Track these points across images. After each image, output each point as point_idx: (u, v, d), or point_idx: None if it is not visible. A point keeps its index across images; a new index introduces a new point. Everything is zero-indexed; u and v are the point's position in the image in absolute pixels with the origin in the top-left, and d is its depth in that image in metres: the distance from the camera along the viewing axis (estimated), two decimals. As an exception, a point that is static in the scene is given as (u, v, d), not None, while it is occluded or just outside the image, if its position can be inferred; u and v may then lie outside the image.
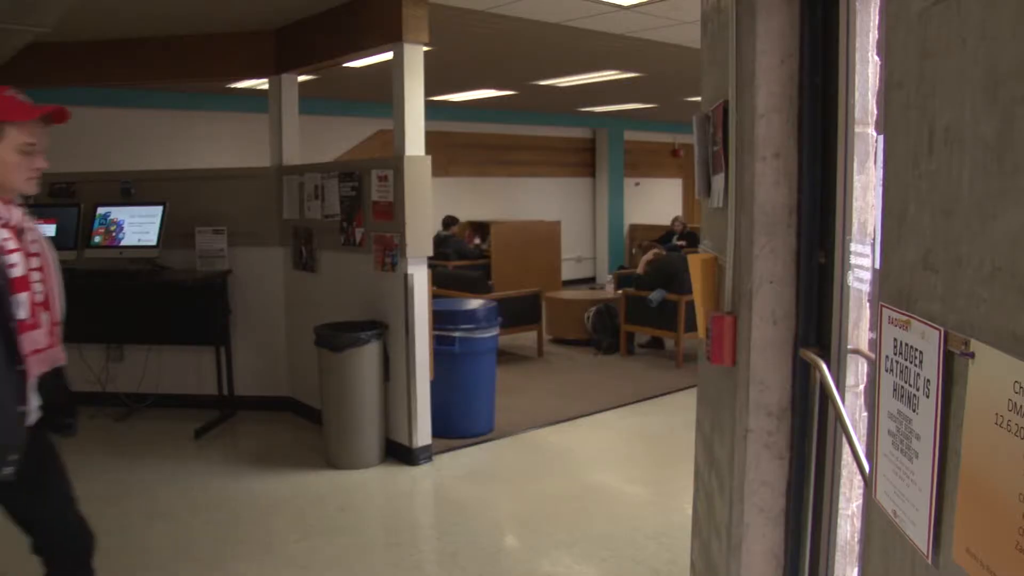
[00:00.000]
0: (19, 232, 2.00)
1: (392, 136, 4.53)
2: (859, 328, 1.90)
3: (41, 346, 2.14)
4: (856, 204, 1.84)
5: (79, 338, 5.55)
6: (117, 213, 5.31)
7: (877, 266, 1.32)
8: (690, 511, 2.88)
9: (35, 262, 2.05)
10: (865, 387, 1.91)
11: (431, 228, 4.67)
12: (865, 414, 1.91)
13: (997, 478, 0.89)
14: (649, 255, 7.84)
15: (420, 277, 4.47)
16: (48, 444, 2.18)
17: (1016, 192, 0.86)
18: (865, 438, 1.63)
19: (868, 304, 1.84)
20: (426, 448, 4.55)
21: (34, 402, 2.09)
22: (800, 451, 2.08)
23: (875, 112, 1.80)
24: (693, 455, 2.86)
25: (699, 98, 2.77)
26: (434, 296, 4.95)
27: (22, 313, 1.99)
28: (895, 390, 1.16)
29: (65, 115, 2.09)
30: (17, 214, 2.02)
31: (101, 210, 5.33)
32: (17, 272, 1.95)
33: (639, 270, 7.86)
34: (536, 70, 7.87)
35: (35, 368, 2.12)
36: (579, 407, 5.67)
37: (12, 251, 1.95)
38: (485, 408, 5.10)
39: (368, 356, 4.40)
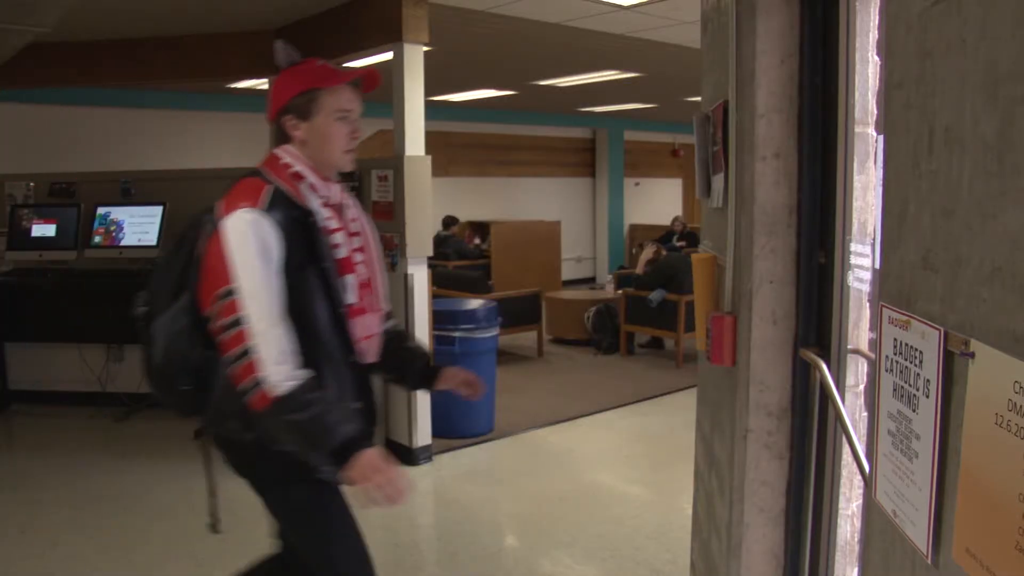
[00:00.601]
0: (339, 210, 1.86)
1: (392, 136, 4.53)
2: (859, 328, 1.90)
3: (374, 331, 1.93)
4: (856, 204, 1.84)
5: (79, 338, 5.56)
6: (117, 213, 5.31)
7: (877, 266, 1.32)
8: (690, 511, 2.88)
9: (356, 241, 1.88)
10: (865, 387, 1.91)
11: (431, 228, 4.67)
12: (865, 414, 1.91)
13: (997, 478, 0.89)
14: (649, 253, 7.83)
15: (420, 277, 4.47)
16: None
17: (1016, 192, 0.86)
18: (865, 438, 1.63)
19: (868, 304, 1.84)
20: (426, 448, 4.55)
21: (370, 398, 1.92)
22: (800, 451, 2.08)
23: (875, 112, 1.80)
24: (693, 455, 2.87)
25: (699, 98, 2.78)
26: (434, 296, 4.94)
27: (351, 297, 1.82)
28: (895, 390, 1.16)
29: (376, 80, 1.92)
30: (336, 191, 1.88)
31: (101, 210, 5.33)
32: (341, 253, 1.81)
33: (638, 269, 7.86)
34: (536, 70, 7.86)
35: (371, 355, 1.93)
36: (579, 407, 5.66)
37: (335, 230, 1.81)
38: (485, 408, 5.10)
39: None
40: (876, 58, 1.77)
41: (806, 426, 2.05)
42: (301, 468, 1.78)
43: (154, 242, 5.16)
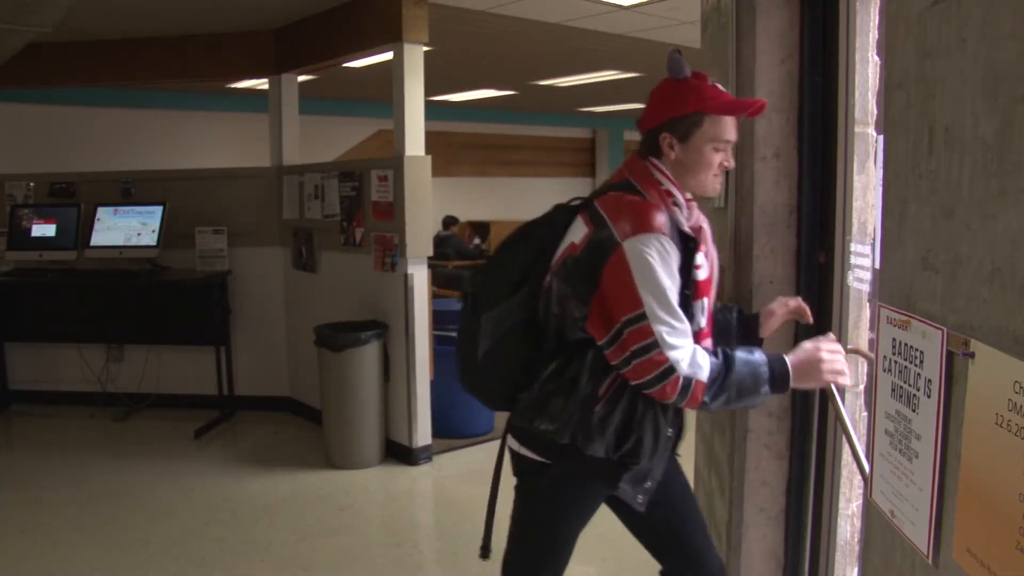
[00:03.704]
0: (698, 230, 1.77)
1: (392, 136, 4.53)
2: (859, 328, 1.90)
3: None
4: (856, 204, 1.84)
5: (79, 338, 5.56)
6: (117, 213, 5.31)
7: (877, 266, 1.32)
8: (690, 511, 2.87)
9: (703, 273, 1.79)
10: (865, 387, 1.91)
11: (431, 228, 4.67)
12: (865, 414, 1.91)
13: (997, 478, 0.89)
14: None
15: (420, 277, 4.47)
16: (677, 465, 1.96)
17: (1016, 192, 0.86)
18: (865, 438, 1.63)
19: (868, 304, 1.84)
20: (426, 448, 4.55)
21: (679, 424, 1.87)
22: (800, 451, 2.08)
23: (875, 112, 1.80)
24: (693, 455, 2.86)
25: (699, 98, 2.77)
26: (434, 296, 4.94)
27: (702, 321, 1.76)
28: (893, 390, 1.16)
29: (762, 109, 1.77)
30: (696, 212, 1.80)
31: (101, 210, 5.33)
32: (701, 275, 1.73)
33: None
34: (536, 70, 7.86)
35: None
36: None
37: (700, 250, 1.73)
38: (485, 408, 5.09)
39: (368, 356, 4.40)
40: (876, 58, 1.77)
41: (806, 426, 2.05)
42: (605, 475, 1.78)
43: (154, 242, 5.16)
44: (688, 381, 1.62)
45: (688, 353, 1.62)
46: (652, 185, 1.73)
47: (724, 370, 1.63)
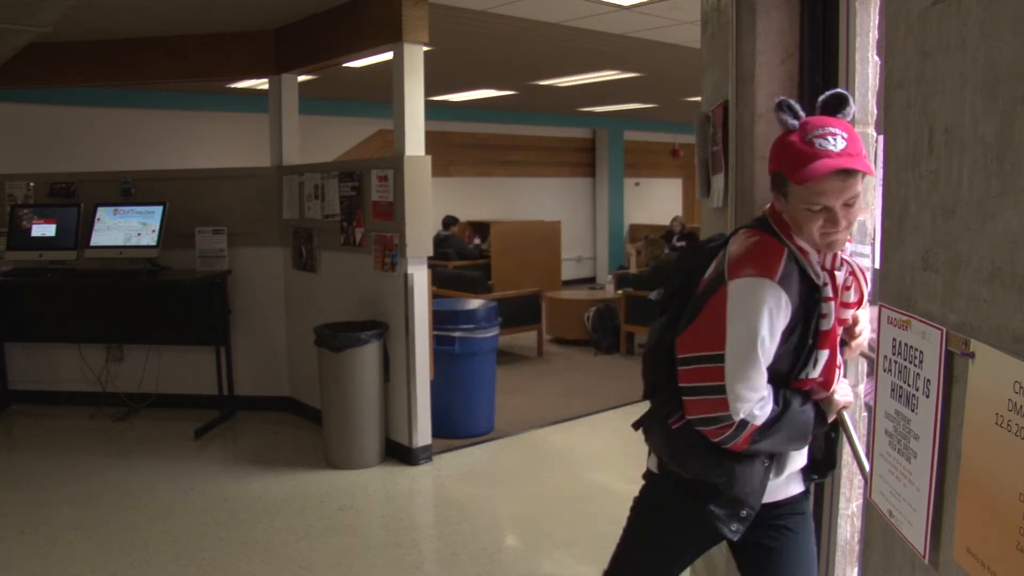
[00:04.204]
0: (832, 275, 1.64)
1: (392, 136, 4.53)
2: (859, 328, 1.89)
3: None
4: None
5: (79, 338, 5.56)
6: (117, 213, 5.31)
7: (877, 266, 1.31)
8: (690, 511, 2.87)
9: (847, 313, 1.68)
10: (865, 387, 1.91)
11: (431, 228, 4.67)
12: (865, 414, 1.91)
13: (997, 478, 0.89)
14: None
15: (420, 277, 4.47)
16: (806, 514, 1.86)
17: (1016, 192, 0.86)
18: (865, 438, 1.63)
19: (868, 304, 1.84)
20: (426, 448, 4.55)
21: (798, 461, 1.79)
22: (800, 451, 2.08)
23: (875, 112, 1.80)
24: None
25: (699, 98, 2.78)
26: (434, 296, 4.94)
27: (814, 372, 1.66)
28: (893, 390, 1.16)
29: (863, 170, 1.56)
30: (837, 257, 1.64)
31: (101, 210, 5.33)
32: (826, 325, 1.63)
33: (632, 268, 7.85)
34: (536, 70, 7.86)
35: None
36: (579, 407, 5.66)
37: (827, 299, 1.62)
38: (485, 408, 5.10)
39: (368, 356, 4.40)
40: (876, 58, 1.77)
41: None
42: (692, 494, 1.75)
43: (154, 242, 5.17)
44: (744, 424, 1.61)
45: (752, 403, 1.60)
46: (785, 227, 1.64)
47: (779, 417, 1.62)
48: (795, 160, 1.54)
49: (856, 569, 1.96)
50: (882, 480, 1.19)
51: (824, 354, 1.65)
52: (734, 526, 1.71)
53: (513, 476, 4.44)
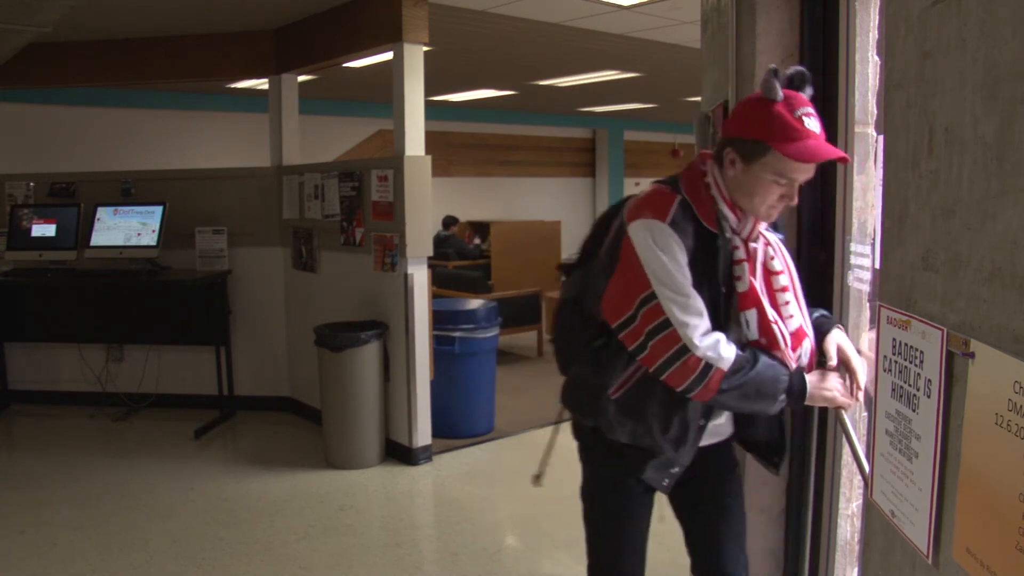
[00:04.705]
0: (747, 246, 1.72)
1: (392, 136, 4.53)
2: (859, 328, 1.90)
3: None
4: (856, 204, 1.84)
5: (79, 338, 5.56)
6: (117, 213, 5.31)
7: (877, 266, 1.32)
8: (690, 511, 2.87)
9: (781, 280, 1.73)
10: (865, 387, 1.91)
11: (431, 228, 4.67)
12: (865, 414, 1.91)
13: (997, 478, 0.89)
14: None
15: (420, 277, 4.47)
16: (733, 464, 1.95)
17: (1016, 192, 0.86)
18: (865, 438, 1.63)
19: (868, 304, 1.84)
20: (426, 448, 4.55)
21: (722, 420, 1.86)
22: (800, 451, 2.08)
23: (875, 112, 1.80)
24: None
25: (699, 98, 2.78)
26: (434, 296, 4.94)
27: (751, 333, 1.70)
28: (893, 390, 1.16)
29: (840, 161, 1.67)
30: (750, 226, 1.71)
31: (101, 210, 5.33)
32: (741, 287, 1.69)
33: None
34: (536, 70, 7.86)
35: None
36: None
37: (738, 261, 1.70)
38: (485, 408, 5.10)
39: (368, 356, 4.40)
40: (876, 58, 1.77)
41: (806, 426, 2.05)
42: (630, 460, 1.80)
43: (154, 242, 5.16)
44: (708, 367, 1.60)
45: (701, 331, 1.61)
46: (698, 181, 1.70)
47: (750, 365, 1.62)
48: (788, 133, 1.57)
49: (856, 569, 1.96)
50: (884, 480, 1.19)
51: (752, 314, 1.69)
52: (665, 481, 1.81)
53: (513, 476, 4.44)
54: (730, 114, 1.77)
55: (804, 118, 1.58)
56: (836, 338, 1.76)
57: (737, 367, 1.61)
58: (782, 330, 1.69)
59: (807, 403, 1.71)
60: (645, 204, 1.69)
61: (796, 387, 1.66)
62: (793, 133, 1.57)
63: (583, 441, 1.92)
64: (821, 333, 1.78)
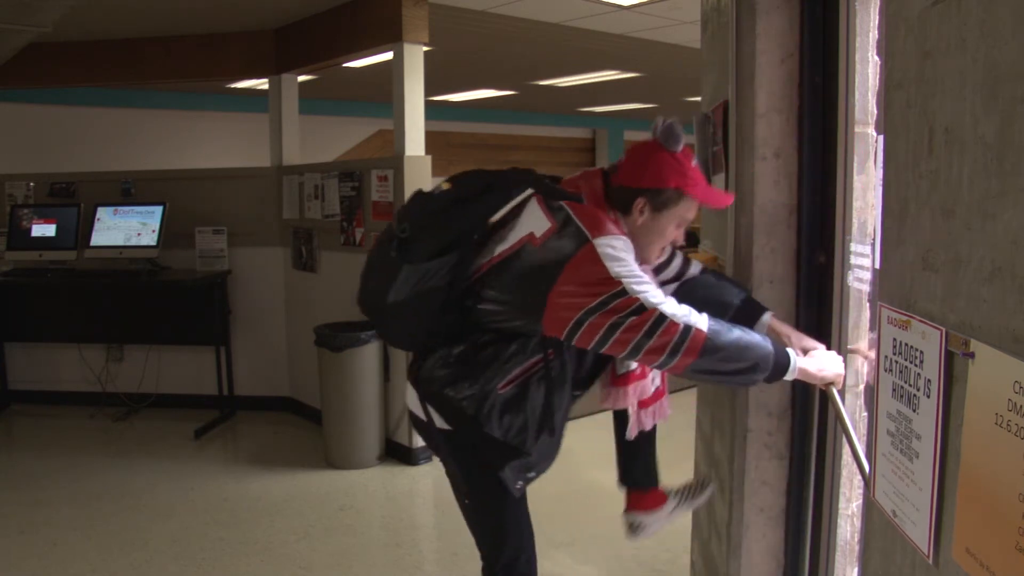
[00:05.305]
0: None
1: (392, 136, 4.53)
2: (859, 328, 1.90)
3: (647, 397, 2.10)
4: (856, 204, 1.84)
5: (79, 338, 5.56)
6: (117, 213, 5.31)
7: (877, 266, 1.32)
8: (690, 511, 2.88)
9: None
10: (865, 387, 1.91)
11: (431, 228, 4.67)
12: (865, 414, 1.91)
13: (997, 478, 0.89)
14: None
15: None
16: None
17: (1016, 192, 0.86)
18: (865, 438, 1.63)
19: (868, 304, 1.84)
20: (426, 448, 4.54)
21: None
22: (800, 451, 2.08)
23: (875, 112, 1.80)
24: (693, 455, 2.86)
25: (699, 98, 2.77)
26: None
27: (632, 364, 1.94)
28: (894, 390, 1.16)
29: (727, 204, 1.91)
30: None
31: (101, 210, 5.33)
32: None
33: None
34: (536, 70, 7.86)
35: (648, 420, 2.13)
36: (579, 407, 5.62)
37: None
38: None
39: (368, 356, 4.40)
40: (876, 58, 1.77)
41: (806, 426, 2.05)
42: (497, 454, 1.88)
43: (154, 242, 5.16)
44: (687, 329, 1.62)
45: (673, 305, 1.66)
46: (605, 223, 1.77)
47: (727, 328, 1.66)
48: (696, 179, 1.78)
49: (856, 569, 1.96)
50: (885, 480, 1.19)
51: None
52: (519, 484, 1.92)
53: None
54: (629, 164, 1.83)
55: (700, 167, 1.82)
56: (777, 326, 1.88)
57: (717, 329, 1.64)
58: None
59: (809, 380, 1.74)
60: (602, 222, 1.74)
61: (781, 358, 1.68)
62: (700, 180, 1.78)
63: (456, 429, 1.93)
64: (749, 317, 1.89)
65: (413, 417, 2.02)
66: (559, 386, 1.90)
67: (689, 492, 2.20)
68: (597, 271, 1.67)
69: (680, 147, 1.76)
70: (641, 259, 1.77)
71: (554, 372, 1.87)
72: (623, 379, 2.04)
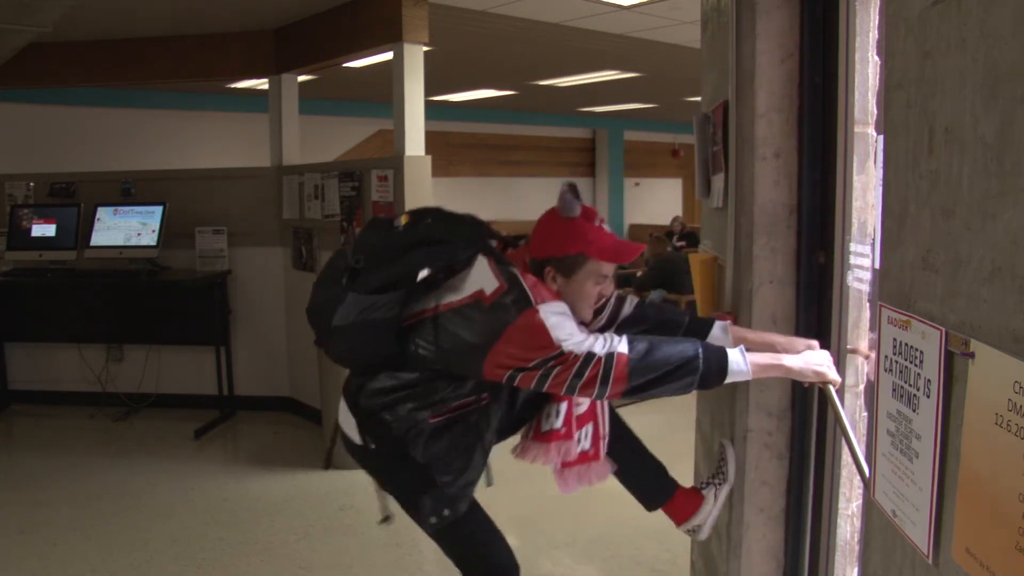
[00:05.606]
0: None
1: (392, 136, 4.53)
2: (859, 328, 1.90)
3: (571, 459, 2.14)
4: (856, 204, 1.84)
5: (79, 338, 5.56)
6: (117, 213, 5.31)
7: (877, 266, 1.32)
8: (690, 511, 2.87)
9: None
10: (865, 387, 1.91)
11: (431, 228, 4.67)
12: (865, 414, 1.91)
13: (997, 478, 0.89)
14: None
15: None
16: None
17: (1016, 192, 0.86)
18: (865, 438, 1.63)
19: (868, 304, 1.84)
20: (426, 448, 4.55)
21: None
22: (800, 451, 2.08)
23: (875, 112, 1.80)
24: (693, 455, 2.86)
25: (699, 98, 2.77)
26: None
27: (557, 423, 2.05)
28: (894, 390, 1.16)
29: (638, 255, 1.99)
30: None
31: (101, 210, 5.33)
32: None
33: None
34: (536, 70, 7.86)
35: (571, 481, 2.16)
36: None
37: None
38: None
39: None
40: (876, 58, 1.76)
41: (806, 426, 2.05)
42: (417, 478, 1.93)
43: (154, 242, 5.16)
44: (610, 356, 1.71)
45: (593, 338, 1.75)
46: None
47: (647, 343, 1.73)
48: (597, 239, 1.86)
49: (856, 569, 1.96)
50: (885, 480, 1.19)
51: (561, 407, 2.07)
52: (434, 519, 1.95)
53: (513, 476, 4.42)
54: (534, 237, 1.94)
55: (601, 225, 1.89)
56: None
57: (634, 347, 1.72)
58: (578, 418, 2.04)
59: (799, 379, 1.78)
60: (542, 289, 1.83)
61: (713, 361, 1.73)
62: (602, 240, 1.86)
63: (380, 448, 1.99)
64: (700, 329, 1.99)
65: (345, 440, 2.08)
66: (484, 428, 1.97)
67: (718, 472, 2.20)
68: (539, 337, 1.74)
69: (576, 212, 1.86)
70: (577, 319, 1.86)
71: (481, 416, 1.95)
72: (546, 436, 2.09)
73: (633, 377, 1.71)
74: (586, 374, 1.72)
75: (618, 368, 1.70)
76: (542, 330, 1.75)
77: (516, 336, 1.76)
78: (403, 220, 1.97)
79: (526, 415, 2.14)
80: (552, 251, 1.88)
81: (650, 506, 2.31)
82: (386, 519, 2.19)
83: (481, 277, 1.86)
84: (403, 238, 1.93)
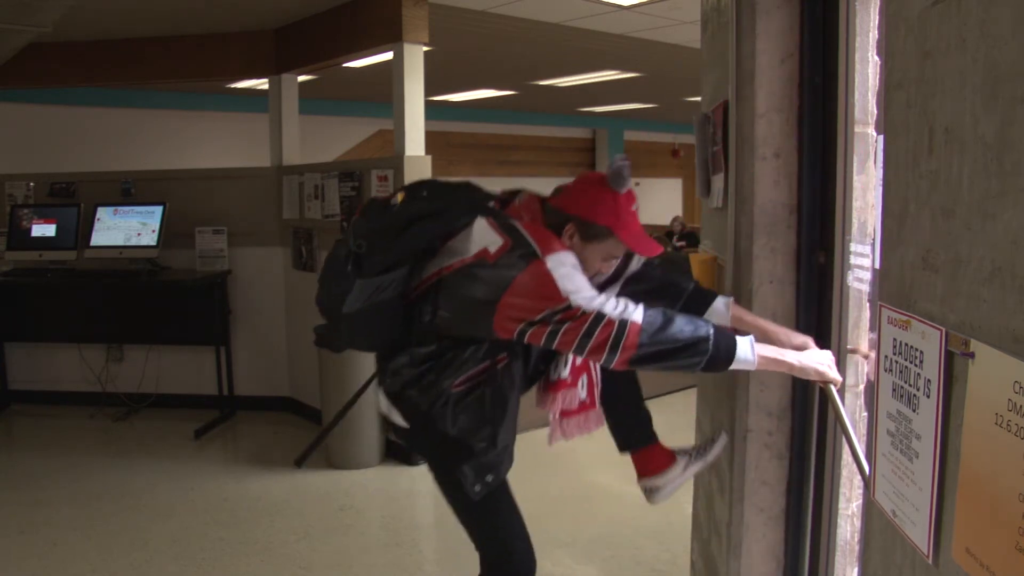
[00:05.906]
0: None
1: (392, 136, 4.53)
2: (859, 328, 1.90)
3: (573, 408, 2.15)
4: (856, 204, 1.84)
5: (79, 338, 5.56)
6: (117, 213, 5.31)
7: (877, 266, 1.32)
8: (690, 511, 2.88)
9: None
10: (865, 387, 1.91)
11: (431, 228, 4.67)
12: (865, 414, 1.91)
13: (997, 478, 0.89)
14: None
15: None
16: None
17: (1016, 192, 0.86)
18: (865, 438, 1.63)
19: (868, 304, 1.84)
20: (426, 448, 4.55)
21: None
22: (800, 451, 2.08)
23: (875, 112, 1.80)
24: (693, 455, 2.86)
25: (699, 98, 2.77)
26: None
27: (565, 372, 2.05)
28: (894, 390, 1.16)
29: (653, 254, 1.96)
30: None
31: (101, 210, 5.33)
32: None
33: None
34: (536, 70, 7.86)
35: (571, 430, 2.18)
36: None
37: None
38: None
39: (368, 356, 4.36)
40: (876, 58, 1.76)
41: (806, 426, 2.05)
42: (453, 451, 1.95)
43: (154, 242, 5.16)
44: (623, 324, 1.69)
45: (611, 305, 1.72)
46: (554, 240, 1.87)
47: (663, 318, 1.71)
48: (630, 225, 1.86)
49: (856, 569, 1.96)
50: (885, 480, 1.19)
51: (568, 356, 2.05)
52: (477, 487, 1.95)
53: (513, 476, 4.42)
54: (570, 190, 1.92)
55: (636, 211, 1.88)
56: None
57: (650, 318, 1.70)
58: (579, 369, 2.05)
59: (800, 376, 1.78)
60: (550, 240, 1.83)
61: (723, 346, 1.71)
62: (633, 225, 1.85)
63: (414, 426, 2.01)
64: (703, 301, 1.99)
65: (392, 426, 2.09)
66: (508, 388, 1.96)
67: (701, 449, 2.21)
68: (546, 287, 1.74)
69: (624, 190, 1.85)
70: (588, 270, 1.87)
71: (502, 377, 1.95)
72: (554, 386, 2.10)
73: (643, 347, 1.69)
74: (596, 335, 1.70)
75: (630, 336, 1.68)
76: (548, 280, 1.74)
77: (522, 288, 1.76)
78: (399, 198, 1.97)
79: (541, 368, 2.14)
80: (583, 212, 1.86)
81: (622, 448, 2.34)
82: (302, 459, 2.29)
83: (483, 236, 1.87)
84: (401, 215, 1.93)
